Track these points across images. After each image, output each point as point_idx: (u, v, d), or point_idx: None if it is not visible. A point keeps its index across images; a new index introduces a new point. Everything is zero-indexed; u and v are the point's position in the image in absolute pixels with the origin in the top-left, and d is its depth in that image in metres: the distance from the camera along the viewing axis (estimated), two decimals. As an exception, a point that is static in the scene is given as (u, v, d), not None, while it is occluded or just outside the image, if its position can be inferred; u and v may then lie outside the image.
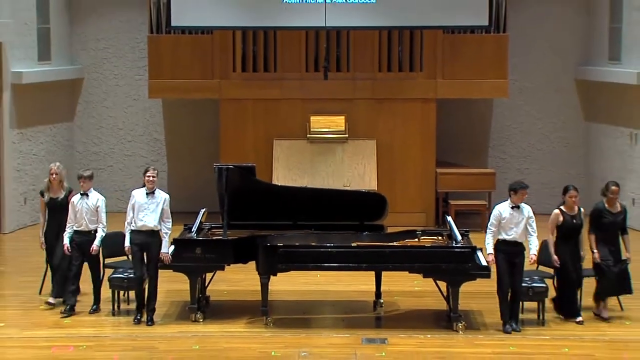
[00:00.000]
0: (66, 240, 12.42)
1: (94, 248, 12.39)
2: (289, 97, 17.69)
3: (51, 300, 12.66)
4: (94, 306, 12.56)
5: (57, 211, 12.65)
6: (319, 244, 12.20)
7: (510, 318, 11.92)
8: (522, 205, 11.98)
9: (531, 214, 11.99)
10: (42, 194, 12.78)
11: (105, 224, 12.49)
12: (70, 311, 12.37)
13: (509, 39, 17.65)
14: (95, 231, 12.42)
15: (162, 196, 12.30)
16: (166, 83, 17.74)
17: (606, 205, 12.19)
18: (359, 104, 17.71)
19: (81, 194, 12.44)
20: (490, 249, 11.94)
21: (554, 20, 18.82)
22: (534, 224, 11.98)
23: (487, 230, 12.07)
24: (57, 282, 12.65)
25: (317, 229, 12.72)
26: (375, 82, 17.69)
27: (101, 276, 12.64)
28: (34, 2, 17.88)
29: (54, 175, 12.64)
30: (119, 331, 12.04)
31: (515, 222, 11.91)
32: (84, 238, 12.39)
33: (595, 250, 12.11)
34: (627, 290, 12.32)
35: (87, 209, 12.37)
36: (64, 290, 12.51)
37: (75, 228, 12.41)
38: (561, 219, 12.05)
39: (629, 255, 12.27)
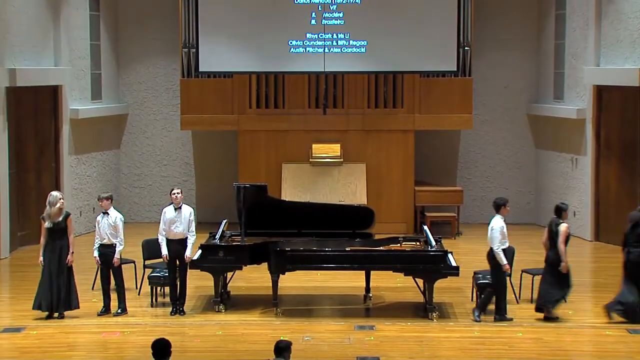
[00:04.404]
0: (96, 254, 12.09)
1: (115, 260, 12.00)
2: (295, 128, 17.62)
3: (58, 314, 11.85)
4: (119, 309, 12.03)
5: (57, 233, 11.81)
6: (319, 249, 12.14)
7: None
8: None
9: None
10: (43, 219, 11.83)
11: (122, 238, 12.06)
12: (107, 311, 12.06)
13: (472, 81, 17.58)
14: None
15: (188, 210, 12.19)
16: (195, 118, 17.67)
17: None
18: (351, 134, 17.65)
19: (102, 213, 12.07)
20: (505, 260, 11.59)
21: (509, 66, 18.77)
22: None
23: (498, 245, 11.55)
24: (45, 295, 11.83)
25: (318, 237, 12.64)
26: (365, 116, 17.63)
27: (123, 282, 12.17)
28: (88, 52, 17.83)
29: (61, 200, 11.84)
30: (157, 319, 12.00)
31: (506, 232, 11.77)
32: (107, 250, 12.01)
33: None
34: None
35: (108, 225, 11.99)
36: (56, 301, 11.82)
37: (99, 242, 12.05)
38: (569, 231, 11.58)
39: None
